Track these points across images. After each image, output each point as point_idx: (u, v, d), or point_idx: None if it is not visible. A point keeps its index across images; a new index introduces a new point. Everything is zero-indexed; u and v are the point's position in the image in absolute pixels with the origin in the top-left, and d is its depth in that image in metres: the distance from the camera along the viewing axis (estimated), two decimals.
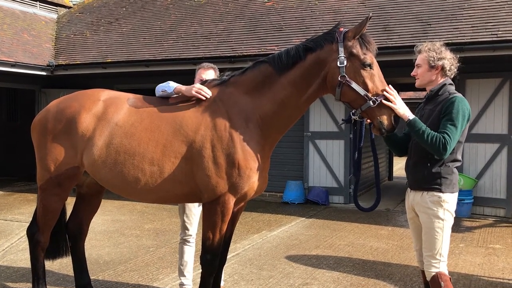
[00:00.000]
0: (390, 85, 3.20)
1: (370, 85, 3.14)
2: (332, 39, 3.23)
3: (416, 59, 3.42)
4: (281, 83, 3.33)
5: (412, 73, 3.44)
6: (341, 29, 3.25)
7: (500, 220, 8.25)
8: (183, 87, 3.57)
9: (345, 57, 3.16)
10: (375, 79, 3.17)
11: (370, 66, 3.16)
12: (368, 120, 3.29)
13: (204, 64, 4.31)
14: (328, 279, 5.12)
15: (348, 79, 3.14)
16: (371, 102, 3.11)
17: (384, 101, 3.13)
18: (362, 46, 3.17)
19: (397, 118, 3.16)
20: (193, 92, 3.48)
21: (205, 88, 3.49)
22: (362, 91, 3.13)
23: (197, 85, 3.52)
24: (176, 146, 3.39)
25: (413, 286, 4.94)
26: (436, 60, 3.30)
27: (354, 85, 3.14)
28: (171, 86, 3.63)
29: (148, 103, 3.65)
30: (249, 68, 3.50)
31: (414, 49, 3.45)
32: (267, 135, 3.42)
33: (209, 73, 4.19)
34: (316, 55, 3.26)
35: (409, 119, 3.19)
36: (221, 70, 3.75)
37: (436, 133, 3.14)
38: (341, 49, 3.17)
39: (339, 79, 3.16)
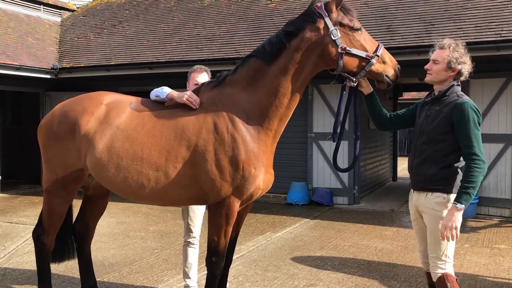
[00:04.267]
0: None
1: (366, 46, 3.29)
2: (312, 18, 3.28)
3: (433, 53, 3.36)
4: (273, 73, 3.34)
5: (426, 67, 3.38)
6: (319, 4, 3.30)
7: (505, 220, 8.22)
8: (175, 94, 3.59)
9: (336, 29, 3.24)
10: (367, 39, 3.33)
11: (360, 29, 3.29)
12: (364, 86, 3.46)
13: (196, 67, 4.31)
14: (333, 280, 5.11)
15: (347, 48, 3.23)
16: (373, 60, 3.25)
17: (383, 53, 3.29)
18: (347, 14, 3.28)
19: (399, 67, 3.36)
20: (184, 99, 3.51)
21: (194, 97, 3.51)
22: (363, 53, 3.25)
23: (188, 93, 3.54)
24: (179, 151, 3.39)
25: (418, 287, 4.93)
26: (457, 63, 3.26)
27: (354, 50, 3.24)
28: (164, 91, 3.65)
29: (150, 107, 3.65)
30: (239, 65, 3.50)
31: (436, 43, 3.40)
32: (269, 129, 3.41)
33: (203, 76, 4.21)
34: (301, 38, 3.29)
35: (464, 207, 3.10)
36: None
37: (469, 169, 3.10)
38: (330, 23, 3.25)
39: (339, 51, 3.23)
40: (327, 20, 3.24)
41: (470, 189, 3.09)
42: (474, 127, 3.14)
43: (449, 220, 3.10)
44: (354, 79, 3.33)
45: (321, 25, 3.25)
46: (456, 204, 3.10)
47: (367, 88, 3.54)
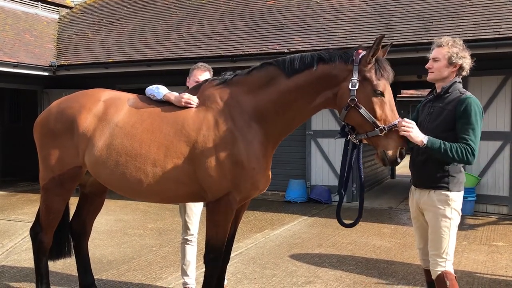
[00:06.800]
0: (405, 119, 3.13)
1: (379, 112, 3.07)
2: (347, 59, 3.18)
3: (432, 52, 3.33)
4: (287, 86, 3.29)
5: (427, 66, 3.36)
6: (360, 51, 3.18)
7: (503, 217, 8.24)
8: (172, 96, 3.56)
9: (357, 80, 3.10)
10: (385, 107, 3.09)
11: (382, 93, 3.08)
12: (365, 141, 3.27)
13: (200, 65, 4.29)
14: (331, 278, 5.12)
15: (357, 103, 3.09)
16: (378, 131, 3.05)
17: (396, 130, 3.05)
18: (377, 72, 3.09)
19: (403, 151, 3.08)
20: (183, 103, 3.49)
21: (193, 98, 3.50)
22: (370, 118, 3.06)
23: (185, 95, 3.52)
24: (178, 147, 3.38)
25: (416, 284, 4.94)
26: (458, 57, 3.24)
27: (362, 110, 3.07)
28: (160, 92, 3.63)
29: (148, 104, 3.64)
30: (255, 68, 3.46)
31: (434, 41, 3.37)
32: (270, 135, 3.40)
33: (205, 75, 4.20)
34: (328, 68, 3.21)
35: (425, 144, 3.10)
36: (222, 70, 3.74)
37: (457, 144, 3.09)
38: (356, 72, 3.11)
39: (348, 101, 3.12)
40: (355, 68, 3.12)
41: (441, 145, 3.07)
42: (475, 122, 3.13)
43: (407, 125, 3.07)
44: (354, 135, 3.20)
45: (349, 69, 3.15)
46: (425, 138, 3.08)
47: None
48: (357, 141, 3.23)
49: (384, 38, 3.11)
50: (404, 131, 3.08)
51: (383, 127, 3.05)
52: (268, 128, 3.38)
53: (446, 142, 3.11)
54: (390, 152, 3.07)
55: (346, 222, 3.62)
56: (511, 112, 8.33)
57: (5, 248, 6.28)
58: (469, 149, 3.09)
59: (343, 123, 3.30)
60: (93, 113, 3.64)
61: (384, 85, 3.10)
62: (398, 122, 3.10)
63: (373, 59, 3.10)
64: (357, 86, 3.09)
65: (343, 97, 3.16)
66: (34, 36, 12.19)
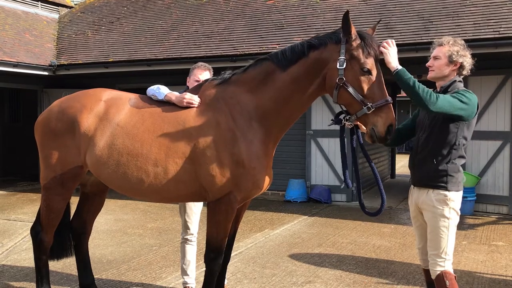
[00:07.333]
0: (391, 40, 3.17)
1: (367, 90, 3.07)
2: (336, 39, 3.18)
3: (433, 51, 3.35)
4: (284, 80, 3.31)
5: (428, 64, 3.37)
6: None
7: (503, 217, 8.24)
8: (173, 97, 3.57)
9: (345, 59, 3.10)
10: (373, 85, 3.08)
11: (369, 71, 3.08)
12: (363, 127, 3.28)
13: (200, 64, 4.30)
14: (331, 277, 5.12)
15: (345, 82, 3.10)
16: (365, 109, 3.05)
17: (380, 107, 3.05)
18: (364, 50, 3.10)
19: (391, 128, 3.07)
20: (185, 103, 3.50)
21: (195, 98, 3.50)
22: (358, 96, 3.07)
23: (187, 96, 3.52)
24: (179, 146, 3.39)
25: (415, 284, 4.95)
26: (458, 56, 3.25)
27: (350, 89, 3.09)
28: (161, 92, 3.63)
29: (149, 104, 3.65)
30: (250, 65, 3.47)
31: (435, 41, 3.38)
32: (270, 132, 3.41)
33: (205, 74, 4.20)
34: (319, 53, 3.23)
35: (396, 69, 3.09)
36: (222, 69, 3.75)
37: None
38: (343, 51, 3.12)
39: (336, 81, 3.13)
40: (342, 46, 3.12)
41: (412, 78, 3.06)
42: (460, 97, 3.12)
43: (392, 46, 3.13)
44: (348, 118, 3.20)
45: (337, 49, 3.15)
46: (399, 66, 3.10)
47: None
48: (350, 123, 3.23)
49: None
50: (383, 47, 3.11)
51: (371, 105, 3.05)
52: (269, 126, 3.39)
53: (416, 82, 3.08)
54: (378, 129, 3.06)
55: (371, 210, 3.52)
56: (511, 112, 8.34)
57: (5, 247, 6.28)
58: (435, 95, 3.05)
59: (340, 109, 3.31)
60: (94, 113, 3.65)
61: (371, 64, 3.10)
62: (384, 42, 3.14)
63: (352, 36, 3.10)
64: (344, 65, 3.10)
65: (332, 78, 3.16)
66: (34, 35, 12.19)
